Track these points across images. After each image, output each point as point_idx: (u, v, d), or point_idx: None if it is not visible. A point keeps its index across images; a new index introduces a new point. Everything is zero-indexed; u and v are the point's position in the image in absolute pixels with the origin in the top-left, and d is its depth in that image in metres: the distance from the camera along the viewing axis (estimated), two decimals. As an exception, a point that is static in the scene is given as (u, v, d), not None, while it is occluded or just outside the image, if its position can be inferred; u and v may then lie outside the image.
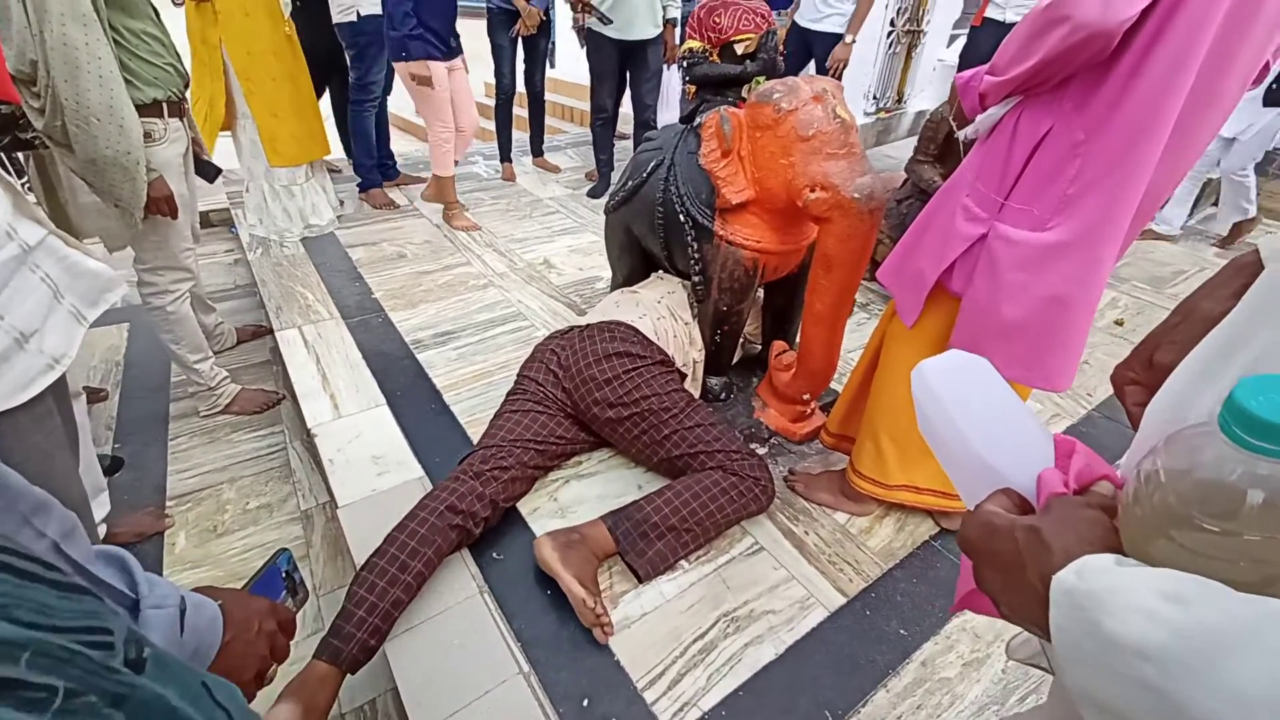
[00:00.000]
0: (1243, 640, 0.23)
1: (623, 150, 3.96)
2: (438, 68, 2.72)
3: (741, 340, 2.04)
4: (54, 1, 1.26)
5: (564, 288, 2.60)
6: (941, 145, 2.42)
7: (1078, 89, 0.95)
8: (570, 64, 5.56)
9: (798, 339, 1.72)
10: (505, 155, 3.80)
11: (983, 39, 3.43)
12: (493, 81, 3.55)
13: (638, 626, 1.28)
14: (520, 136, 3.98)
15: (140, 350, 2.35)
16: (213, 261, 3.07)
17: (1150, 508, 0.30)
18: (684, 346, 1.74)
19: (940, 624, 1.33)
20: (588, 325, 1.66)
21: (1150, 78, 0.88)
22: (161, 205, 1.60)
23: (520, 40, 3.47)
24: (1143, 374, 0.50)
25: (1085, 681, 0.29)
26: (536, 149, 4.03)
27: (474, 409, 1.87)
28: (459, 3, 2.81)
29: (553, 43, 3.77)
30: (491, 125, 3.75)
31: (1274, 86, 2.94)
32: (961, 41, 4.14)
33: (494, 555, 1.41)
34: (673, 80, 4.28)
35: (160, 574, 1.55)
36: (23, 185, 1.74)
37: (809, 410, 1.82)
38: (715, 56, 1.69)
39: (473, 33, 3.44)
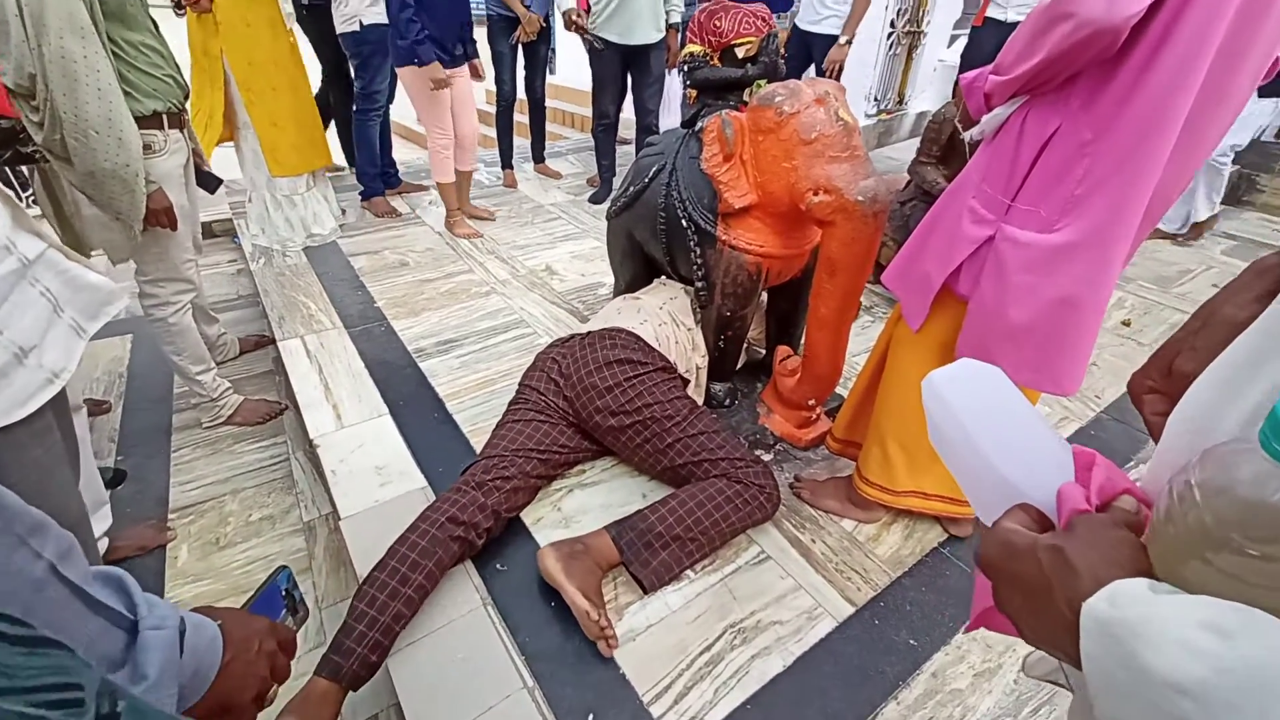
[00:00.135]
0: None
1: (624, 155, 3.96)
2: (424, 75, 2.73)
3: (745, 345, 2.02)
4: (52, 15, 1.26)
5: (566, 294, 2.60)
6: (944, 146, 2.40)
7: (1085, 87, 0.93)
8: (571, 70, 5.58)
9: (802, 343, 1.71)
10: (507, 162, 3.80)
11: (984, 39, 3.42)
12: (493, 88, 3.55)
13: (643, 639, 1.26)
14: (521, 143, 3.98)
15: (143, 362, 2.35)
16: (215, 272, 3.08)
17: (1184, 527, 0.28)
18: (686, 352, 1.72)
19: (950, 634, 1.30)
20: (588, 333, 1.65)
21: (1160, 75, 0.86)
22: (161, 217, 1.59)
23: (520, 47, 3.48)
24: (1161, 382, 0.48)
25: (1117, 712, 0.27)
26: (538, 155, 4.03)
27: (477, 418, 1.86)
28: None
29: (553, 49, 3.80)
30: (493, 132, 3.76)
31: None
32: (962, 42, 4.13)
33: (498, 566, 1.39)
34: (674, 85, 4.28)
35: (162, 587, 1.55)
36: (28, 199, 1.74)
37: (814, 416, 1.80)
38: (716, 60, 1.69)
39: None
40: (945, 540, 1.51)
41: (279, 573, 0.79)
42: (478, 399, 1.94)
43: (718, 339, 1.77)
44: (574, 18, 3.22)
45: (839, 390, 1.92)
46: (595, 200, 3.57)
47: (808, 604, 1.35)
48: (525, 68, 3.62)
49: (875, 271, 1.68)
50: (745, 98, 1.72)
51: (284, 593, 0.79)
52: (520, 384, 1.65)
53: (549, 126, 4.23)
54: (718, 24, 1.64)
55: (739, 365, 1.95)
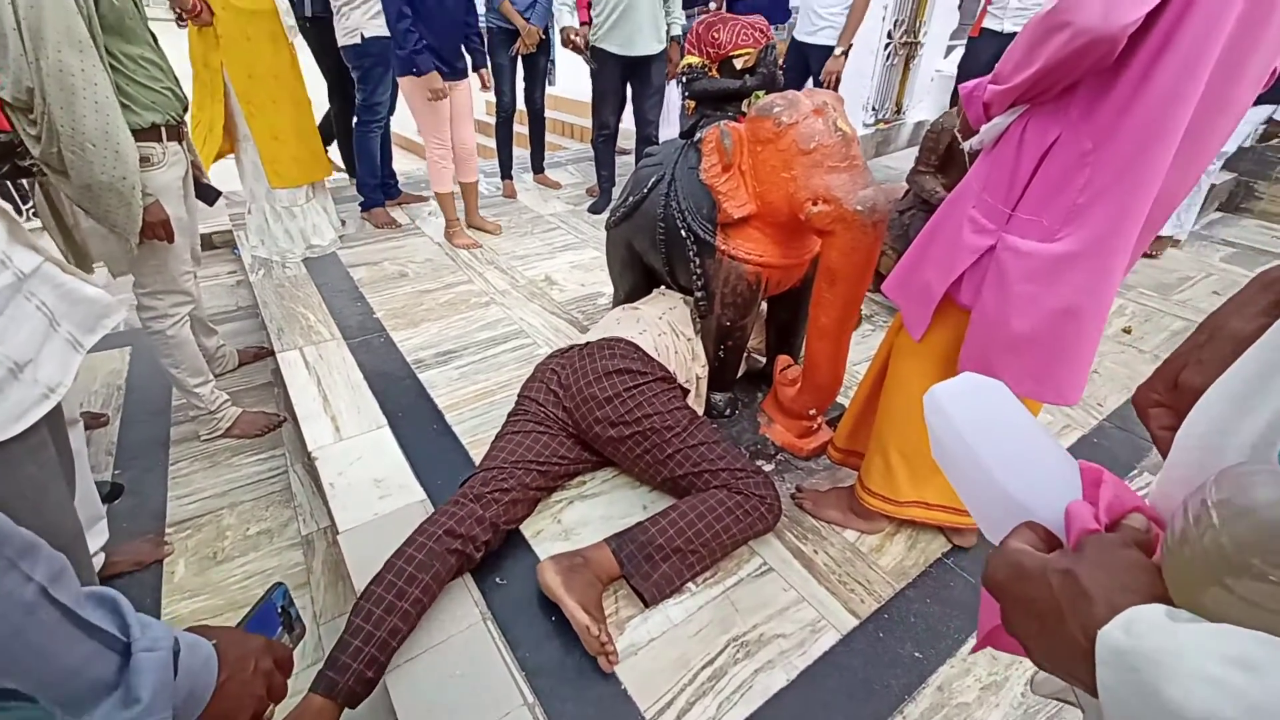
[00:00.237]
0: None
1: (624, 166, 3.97)
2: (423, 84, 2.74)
3: (746, 355, 2.02)
4: (50, 29, 1.26)
5: (566, 304, 2.59)
6: (943, 155, 2.41)
7: (1084, 97, 0.93)
8: (570, 81, 5.61)
9: (802, 353, 1.70)
10: (506, 172, 3.82)
11: (981, 49, 3.44)
12: (493, 99, 3.57)
13: (645, 653, 1.24)
14: (521, 153, 4.00)
15: (142, 374, 2.34)
16: (215, 283, 3.08)
17: (1201, 551, 0.27)
18: (686, 362, 1.72)
19: (956, 646, 1.29)
20: (587, 343, 1.65)
21: (1159, 84, 0.86)
22: (158, 230, 1.59)
23: (520, 58, 3.50)
24: (1167, 396, 0.47)
25: None
26: (537, 166, 4.04)
27: (476, 429, 1.85)
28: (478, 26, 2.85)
29: (552, 60, 3.81)
30: (492, 143, 3.77)
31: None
32: (959, 52, 4.16)
33: (497, 580, 1.38)
34: (674, 96, 4.31)
35: (159, 603, 1.54)
36: (29, 211, 1.74)
37: (815, 425, 1.79)
38: (714, 72, 1.69)
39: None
40: (949, 551, 1.50)
41: (275, 589, 0.78)
42: (477, 410, 1.93)
43: (718, 349, 1.76)
44: (572, 36, 3.26)
45: (840, 399, 1.91)
46: (595, 210, 3.58)
47: (811, 616, 1.33)
48: (525, 79, 3.64)
49: (875, 280, 1.68)
50: (743, 108, 1.72)
51: (280, 609, 0.78)
52: (519, 395, 1.65)
53: (548, 137, 4.25)
54: (716, 36, 1.64)
55: (739, 375, 1.95)
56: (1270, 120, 3.09)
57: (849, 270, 1.44)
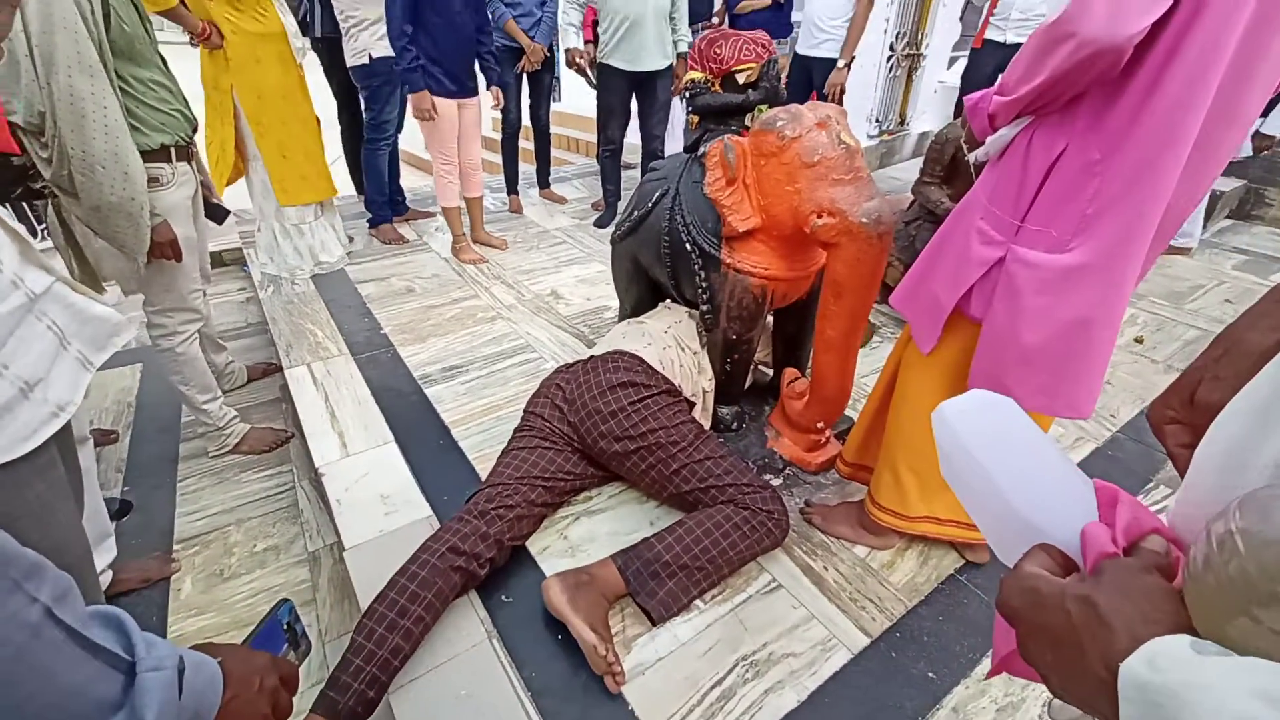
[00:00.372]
0: None
1: (629, 180, 4.00)
2: (444, 103, 2.77)
3: (753, 367, 2.01)
4: (61, 54, 1.29)
5: (572, 318, 2.60)
6: (948, 166, 2.40)
7: (1090, 108, 0.93)
8: (575, 97, 5.68)
9: (810, 365, 1.69)
10: (512, 188, 3.85)
11: (983, 60, 3.46)
12: (499, 116, 3.62)
13: (652, 673, 1.22)
14: (527, 169, 4.04)
15: (152, 391, 2.36)
16: (225, 300, 3.11)
17: (1226, 578, 0.26)
18: (692, 375, 1.71)
19: (970, 666, 1.26)
20: (592, 357, 1.64)
21: (1167, 94, 0.85)
22: (165, 249, 1.61)
23: (525, 75, 3.55)
24: (1183, 412, 0.46)
25: None
26: (543, 181, 4.08)
27: (482, 444, 1.84)
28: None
29: (557, 77, 3.86)
30: (498, 158, 3.81)
31: None
32: (962, 63, 4.17)
33: (503, 598, 1.37)
34: (679, 111, 4.34)
35: (165, 620, 1.53)
36: (43, 232, 1.77)
37: (824, 439, 1.78)
38: (717, 86, 1.70)
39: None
40: (962, 567, 1.47)
41: (281, 606, 0.78)
42: (483, 425, 1.93)
43: (724, 362, 1.75)
44: (576, 58, 3.30)
45: (848, 412, 1.90)
46: (600, 224, 3.60)
47: (821, 635, 1.31)
48: (530, 96, 3.69)
49: (883, 292, 1.67)
50: (747, 123, 1.73)
51: (286, 626, 0.78)
52: (525, 411, 1.64)
53: (553, 152, 4.29)
54: (718, 51, 1.65)
55: (746, 387, 1.94)
56: (1258, 134, 3.07)
57: (855, 282, 1.43)
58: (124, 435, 2.13)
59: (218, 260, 3.29)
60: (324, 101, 3.40)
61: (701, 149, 1.72)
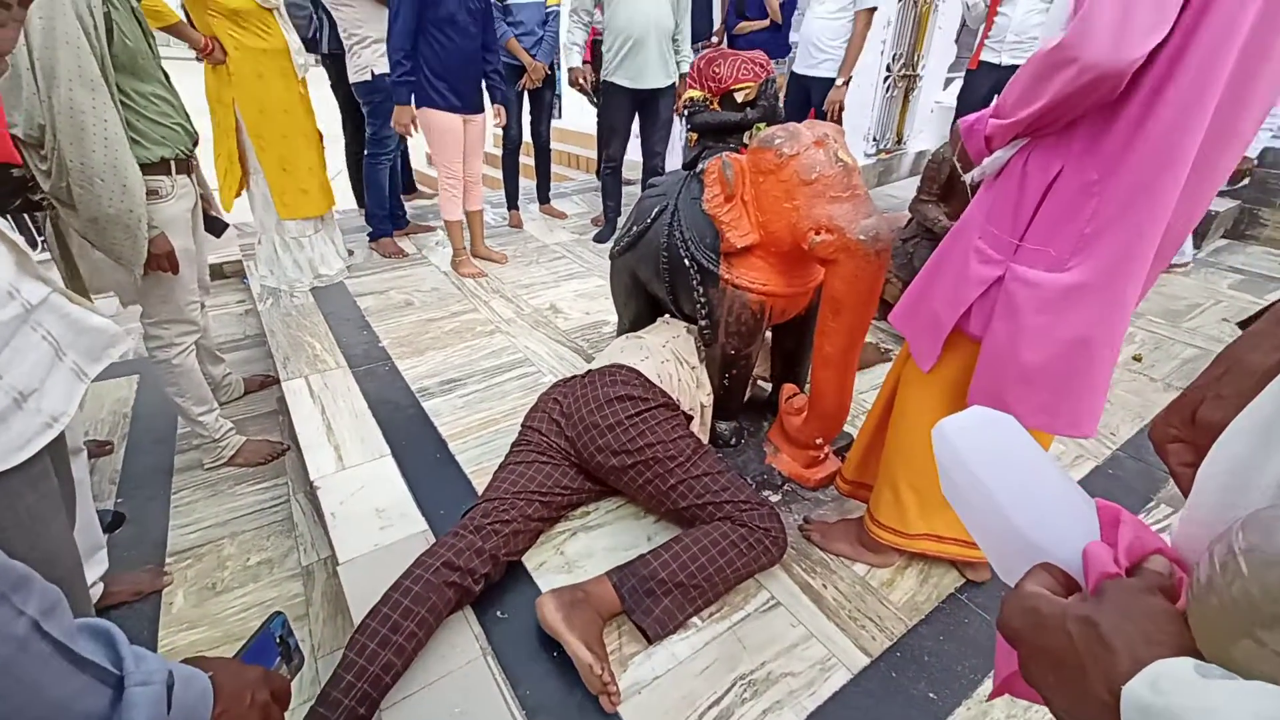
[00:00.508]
0: None
1: (629, 196, 4.03)
2: (450, 118, 2.80)
3: (752, 383, 2.00)
4: (63, 67, 1.30)
5: (570, 332, 2.60)
6: (944, 185, 2.42)
7: (1087, 130, 0.93)
8: (575, 114, 5.74)
9: (808, 381, 1.69)
10: (513, 203, 3.87)
11: (979, 81, 3.50)
12: (500, 132, 3.66)
13: (649, 692, 1.20)
14: (527, 184, 4.06)
15: (148, 403, 2.35)
16: (224, 312, 3.11)
17: (1229, 600, 0.26)
18: (690, 390, 1.70)
19: (972, 686, 1.24)
20: (589, 371, 1.64)
21: (1163, 118, 0.86)
22: (162, 261, 1.62)
23: (527, 93, 3.59)
24: (1185, 430, 0.46)
25: None
26: (543, 196, 4.11)
27: (479, 458, 1.83)
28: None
29: (558, 94, 3.91)
30: (499, 174, 3.84)
31: None
32: (958, 84, 4.23)
33: (498, 614, 1.35)
34: (677, 128, 4.39)
35: (156, 634, 1.51)
36: (43, 244, 1.77)
37: (822, 455, 1.77)
38: (715, 105, 1.72)
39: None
40: (962, 586, 1.46)
41: (273, 619, 0.77)
42: (481, 439, 1.92)
43: (722, 377, 1.75)
44: (579, 79, 3.34)
45: (847, 429, 1.89)
46: (600, 239, 3.62)
47: (820, 654, 1.29)
48: (531, 112, 3.73)
49: (882, 309, 1.68)
50: (745, 140, 1.74)
51: (278, 640, 0.77)
52: (522, 425, 1.63)
53: (554, 168, 4.32)
54: (717, 70, 1.67)
55: (745, 400, 1.93)
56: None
57: (853, 299, 1.44)
58: (119, 446, 2.11)
59: (218, 273, 3.30)
60: (331, 116, 3.44)
61: (700, 166, 1.73)
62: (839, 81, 3.37)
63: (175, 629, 1.52)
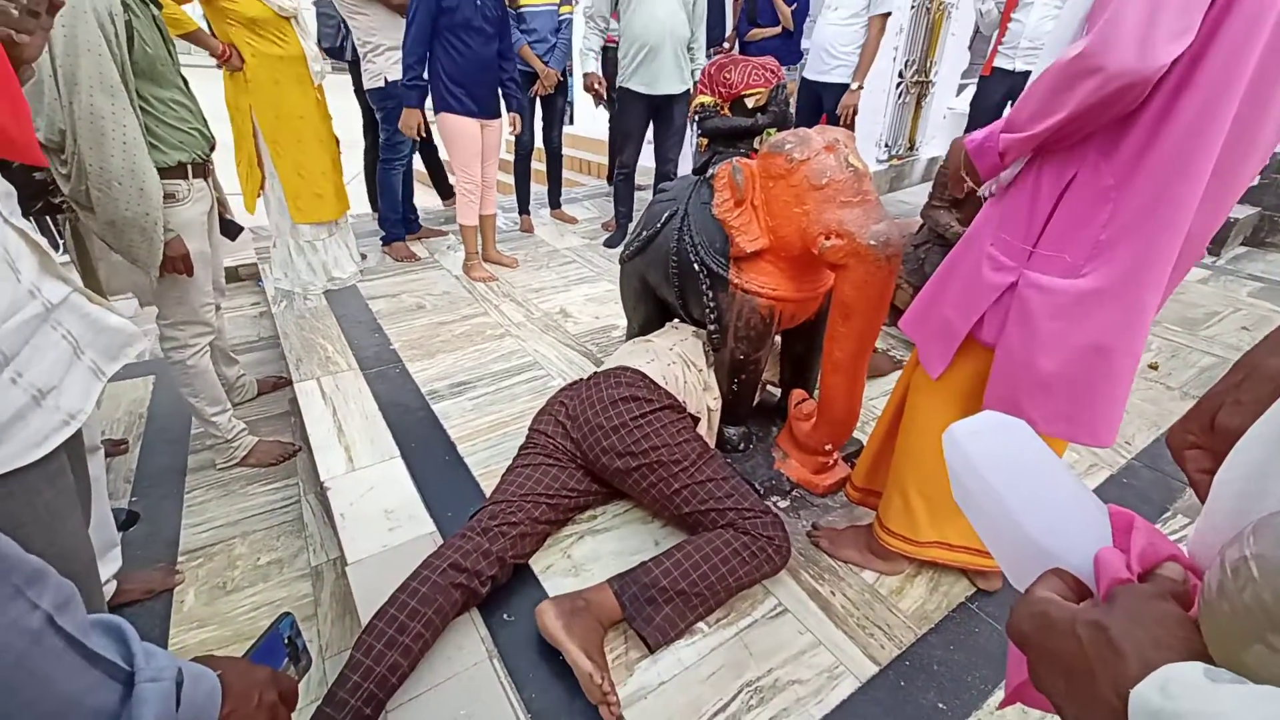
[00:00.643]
0: None
1: (640, 202, 4.04)
2: (467, 122, 2.83)
3: (761, 388, 2.00)
4: (84, 74, 1.33)
5: (580, 336, 2.60)
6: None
7: (1102, 135, 0.92)
8: (587, 120, 5.77)
9: (818, 387, 1.68)
10: (524, 208, 3.90)
11: (992, 87, 3.49)
12: (512, 138, 3.69)
13: (654, 697, 1.20)
14: (538, 190, 4.09)
15: (163, 403, 2.38)
16: (239, 314, 3.15)
17: (1240, 605, 0.25)
18: (697, 392, 1.70)
19: (982, 697, 1.22)
20: (595, 374, 1.64)
21: (1181, 121, 0.84)
22: (177, 264, 1.64)
23: (539, 99, 3.61)
24: (1203, 437, 0.45)
25: None
26: (554, 201, 4.13)
27: (488, 460, 1.84)
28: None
29: (570, 101, 3.93)
30: (511, 179, 3.87)
31: None
32: (971, 90, 4.21)
33: (505, 617, 1.35)
34: (692, 135, 4.41)
35: (167, 632, 1.53)
36: (63, 245, 1.80)
37: (831, 461, 1.76)
38: (726, 110, 1.72)
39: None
40: (973, 595, 1.44)
41: (282, 620, 0.77)
42: (490, 441, 1.93)
43: (731, 382, 1.75)
44: (594, 83, 3.36)
45: (856, 434, 1.88)
46: (610, 244, 3.63)
47: (828, 662, 1.28)
48: (543, 119, 3.75)
49: (892, 315, 1.67)
50: (755, 145, 1.74)
51: (286, 640, 0.77)
52: (530, 428, 1.64)
53: (565, 174, 4.35)
54: (728, 76, 1.68)
55: (753, 408, 1.93)
56: None
57: (863, 304, 1.43)
58: (134, 446, 2.14)
59: (233, 275, 3.34)
60: (354, 121, 3.50)
61: (710, 171, 1.73)
62: (853, 86, 3.37)
63: (186, 627, 1.53)
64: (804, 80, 3.65)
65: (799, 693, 1.22)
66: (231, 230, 1.95)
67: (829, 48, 3.42)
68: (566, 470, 1.53)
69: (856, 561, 1.50)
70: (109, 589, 1.51)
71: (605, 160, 4.87)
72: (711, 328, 1.72)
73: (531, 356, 2.43)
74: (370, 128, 3.43)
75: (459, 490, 1.73)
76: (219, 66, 2.44)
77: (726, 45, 4.05)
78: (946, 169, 2.41)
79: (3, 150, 0.88)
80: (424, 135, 2.98)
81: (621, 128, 3.40)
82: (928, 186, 2.58)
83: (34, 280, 0.96)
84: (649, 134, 3.44)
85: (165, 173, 1.58)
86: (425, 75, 2.72)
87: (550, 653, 1.26)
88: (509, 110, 3.07)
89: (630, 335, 2.13)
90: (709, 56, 3.61)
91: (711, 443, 1.77)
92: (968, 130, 3.82)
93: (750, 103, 1.69)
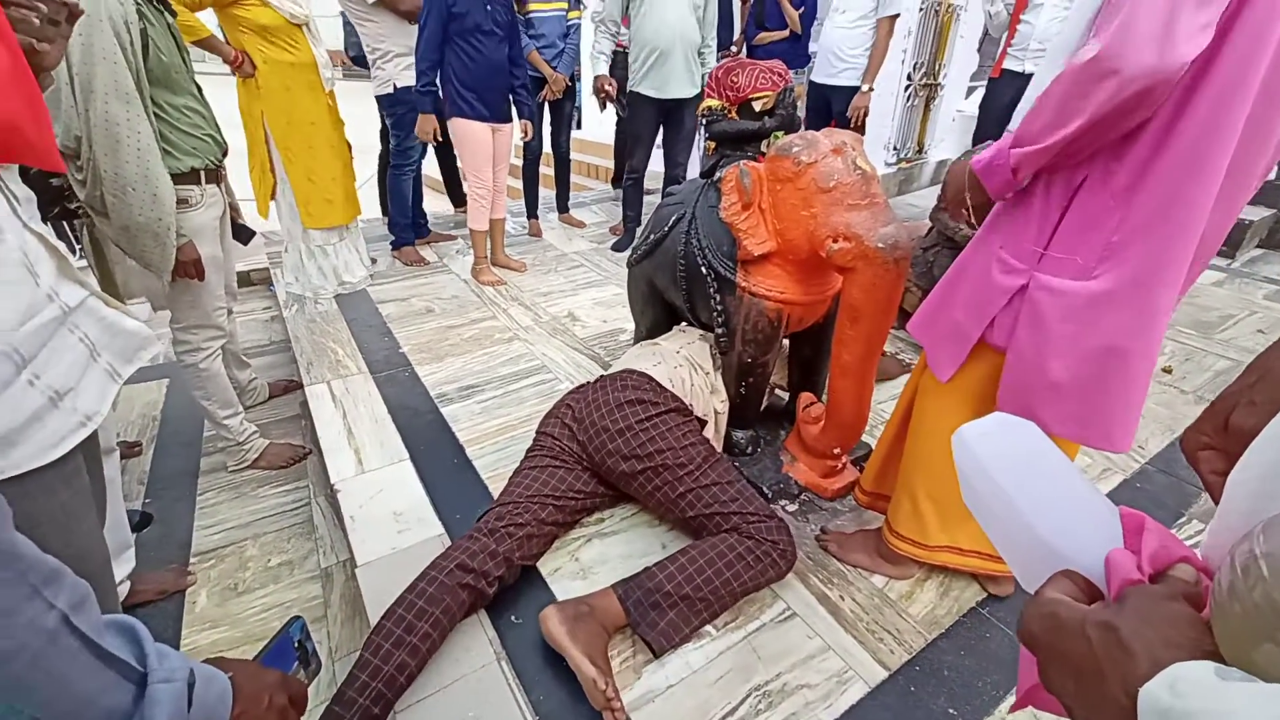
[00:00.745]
0: None
1: (648, 206, 4.05)
2: (478, 127, 2.86)
3: (769, 391, 1.99)
4: (100, 82, 1.36)
5: (588, 340, 2.61)
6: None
7: (1112, 138, 0.91)
8: (595, 125, 5.80)
9: (826, 390, 1.68)
10: (532, 212, 3.92)
11: (1001, 90, 3.47)
12: (520, 143, 3.71)
13: (661, 700, 1.20)
14: (546, 194, 4.11)
15: (177, 406, 2.41)
16: (251, 319, 3.18)
17: (1251, 604, 0.25)
18: (704, 395, 1.70)
19: (993, 704, 1.21)
20: (601, 376, 1.65)
21: (1194, 122, 0.83)
22: (189, 268, 1.66)
23: (547, 104, 3.63)
24: (1217, 438, 0.45)
25: None
26: (562, 206, 4.15)
27: (496, 464, 1.84)
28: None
29: (578, 106, 3.95)
30: (519, 184, 3.90)
31: None
32: (980, 93, 4.19)
33: (513, 619, 1.35)
34: (701, 139, 4.41)
35: (179, 633, 1.54)
36: (80, 250, 1.83)
37: (840, 465, 1.75)
38: (734, 114, 1.73)
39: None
40: (984, 600, 1.43)
41: (292, 623, 0.78)
42: (498, 445, 1.93)
43: (739, 386, 1.75)
44: (604, 85, 3.38)
45: (865, 438, 1.87)
46: (618, 248, 3.64)
47: (837, 666, 1.27)
48: (551, 124, 3.77)
49: (901, 318, 1.66)
50: (763, 149, 1.75)
51: (297, 644, 0.78)
52: (537, 431, 1.64)
53: (573, 178, 4.37)
54: (735, 80, 1.68)
55: (761, 412, 1.92)
56: None
57: (871, 307, 1.43)
58: (148, 448, 2.17)
59: (245, 280, 3.38)
60: (370, 126, 3.52)
61: (718, 174, 1.74)
62: (864, 88, 3.37)
63: (198, 628, 1.54)
64: (812, 83, 3.65)
65: (808, 697, 1.21)
66: (244, 235, 1.97)
67: (837, 51, 3.42)
68: (573, 472, 1.54)
69: (866, 566, 1.49)
70: (123, 590, 1.52)
71: (612, 164, 4.89)
72: (719, 331, 1.72)
73: (539, 360, 2.44)
74: (386, 133, 3.47)
75: (467, 493, 1.74)
76: (232, 73, 2.47)
77: (734, 49, 4.07)
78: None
79: (24, 156, 0.90)
80: (440, 140, 3.00)
81: (632, 131, 3.42)
82: (936, 189, 2.57)
83: (52, 284, 0.98)
84: (658, 139, 3.45)
85: (178, 178, 1.60)
86: (438, 81, 2.75)
87: (558, 655, 1.26)
88: (520, 117, 3.10)
89: (638, 339, 2.13)
90: (717, 60, 3.62)
91: (719, 446, 1.77)
92: (976, 133, 3.82)
93: (757, 106, 1.69)
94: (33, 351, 0.87)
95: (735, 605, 1.36)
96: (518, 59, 2.92)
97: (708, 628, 1.33)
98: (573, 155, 4.09)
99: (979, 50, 5.17)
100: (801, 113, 3.61)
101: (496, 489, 1.72)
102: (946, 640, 1.33)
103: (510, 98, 2.97)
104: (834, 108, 3.56)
